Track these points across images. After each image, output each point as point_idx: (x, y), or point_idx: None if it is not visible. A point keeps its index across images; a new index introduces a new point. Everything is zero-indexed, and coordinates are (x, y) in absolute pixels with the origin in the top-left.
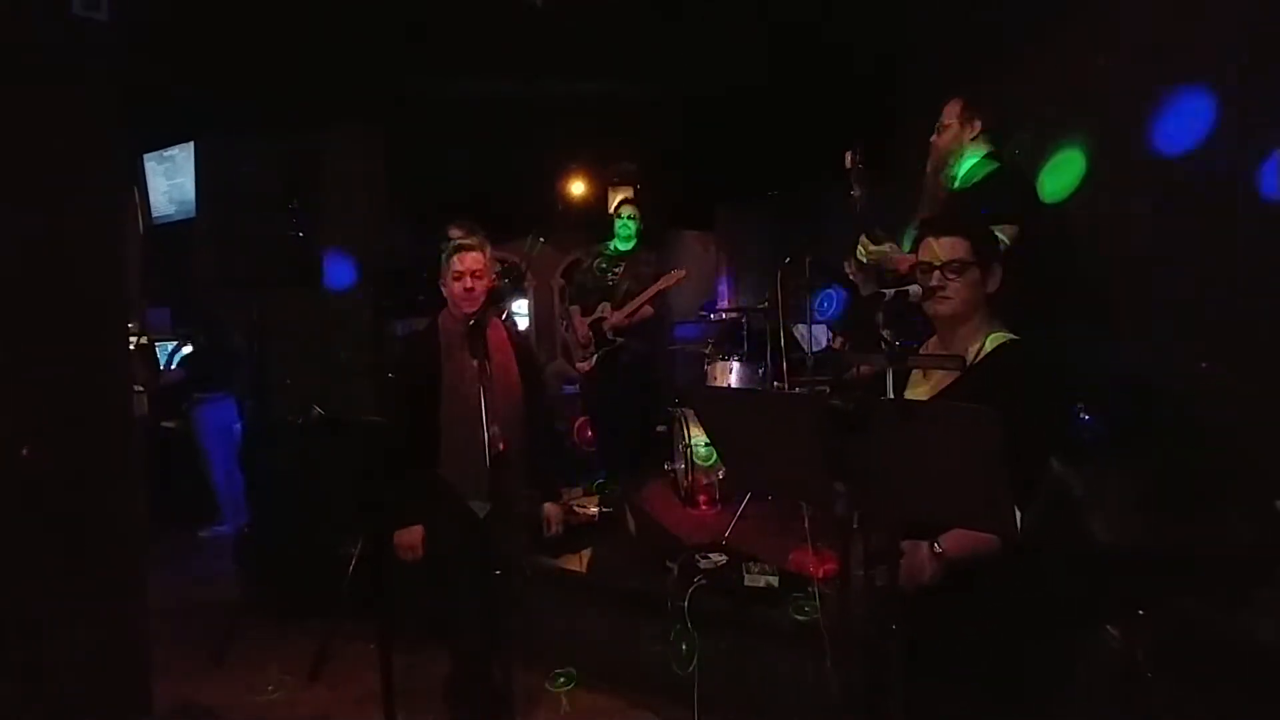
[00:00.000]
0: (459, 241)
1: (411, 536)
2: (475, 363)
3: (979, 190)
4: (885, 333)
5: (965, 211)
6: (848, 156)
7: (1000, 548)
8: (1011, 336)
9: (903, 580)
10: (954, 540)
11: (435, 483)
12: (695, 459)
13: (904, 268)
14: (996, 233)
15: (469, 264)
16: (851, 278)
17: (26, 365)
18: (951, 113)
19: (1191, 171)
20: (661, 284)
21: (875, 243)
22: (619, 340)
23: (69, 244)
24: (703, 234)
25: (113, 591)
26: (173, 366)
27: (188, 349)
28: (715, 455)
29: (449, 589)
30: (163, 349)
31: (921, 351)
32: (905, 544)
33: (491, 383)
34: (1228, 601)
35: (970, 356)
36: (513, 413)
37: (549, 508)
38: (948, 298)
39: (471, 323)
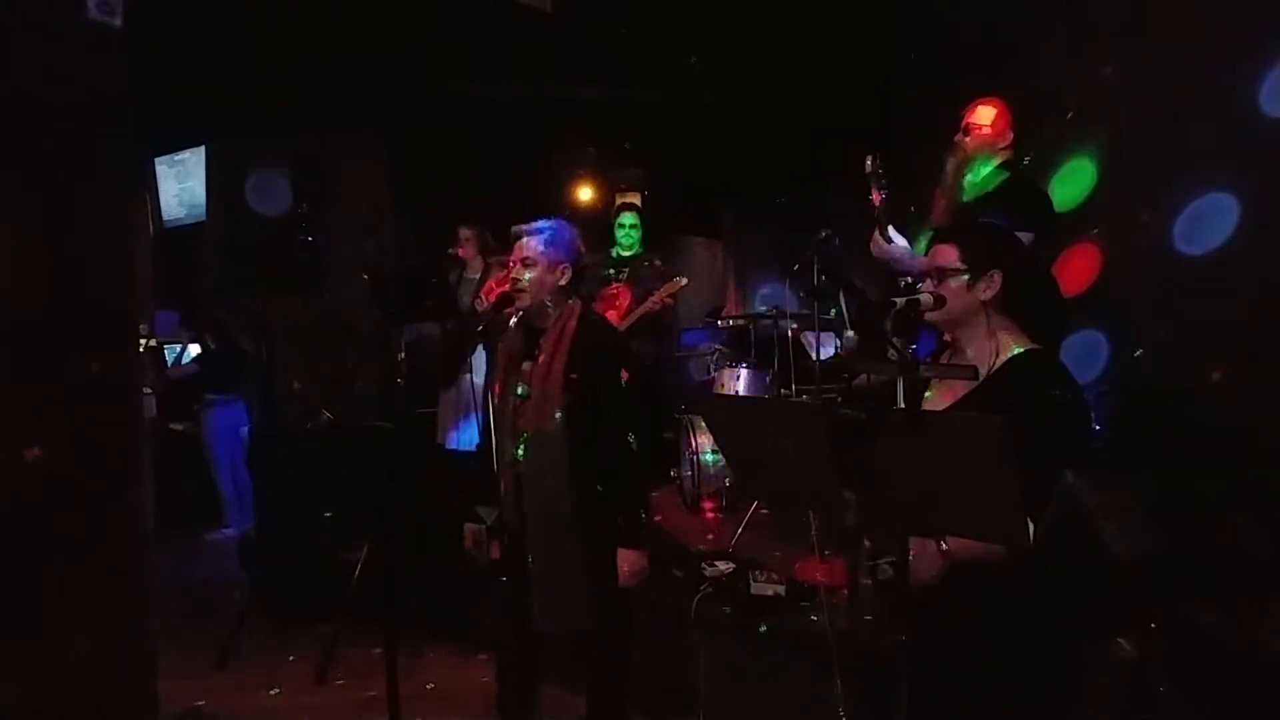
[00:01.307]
0: (517, 229)
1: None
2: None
3: (992, 200)
4: (895, 341)
5: (972, 220)
6: (867, 161)
7: (1007, 551)
8: (1031, 346)
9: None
10: (960, 539)
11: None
12: (702, 466)
13: (917, 271)
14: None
15: (516, 252)
16: (859, 284)
17: (35, 367)
18: (985, 116)
19: (1197, 176)
20: (663, 292)
21: (888, 242)
22: None
23: (81, 247)
24: (709, 240)
25: (118, 594)
26: (182, 362)
27: (195, 350)
28: (722, 462)
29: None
30: (171, 352)
31: (938, 361)
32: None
33: (524, 385)
34: (1242, 613)
35: (987, 366)
36: (546, 422)
37: (621, 553)
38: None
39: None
